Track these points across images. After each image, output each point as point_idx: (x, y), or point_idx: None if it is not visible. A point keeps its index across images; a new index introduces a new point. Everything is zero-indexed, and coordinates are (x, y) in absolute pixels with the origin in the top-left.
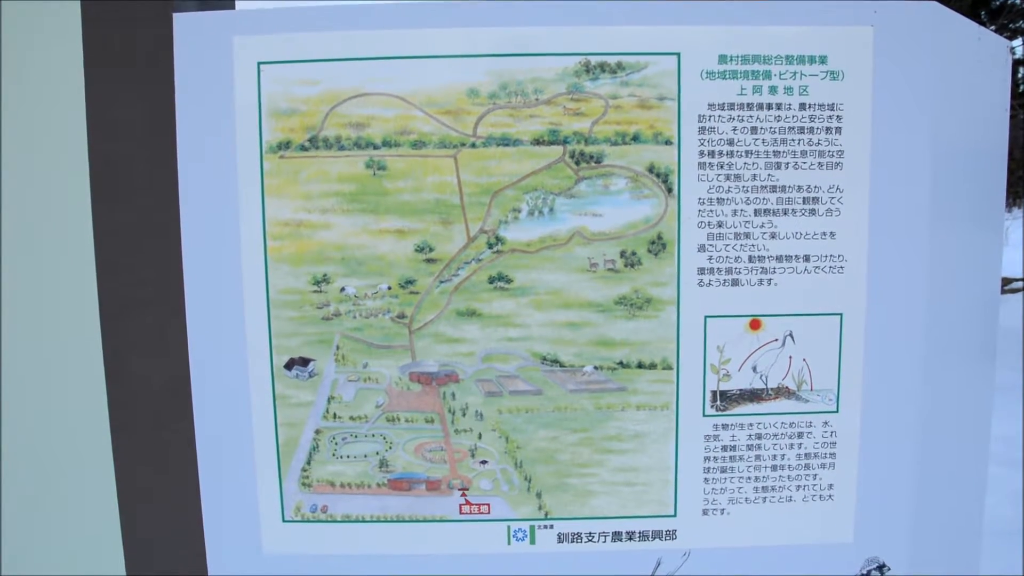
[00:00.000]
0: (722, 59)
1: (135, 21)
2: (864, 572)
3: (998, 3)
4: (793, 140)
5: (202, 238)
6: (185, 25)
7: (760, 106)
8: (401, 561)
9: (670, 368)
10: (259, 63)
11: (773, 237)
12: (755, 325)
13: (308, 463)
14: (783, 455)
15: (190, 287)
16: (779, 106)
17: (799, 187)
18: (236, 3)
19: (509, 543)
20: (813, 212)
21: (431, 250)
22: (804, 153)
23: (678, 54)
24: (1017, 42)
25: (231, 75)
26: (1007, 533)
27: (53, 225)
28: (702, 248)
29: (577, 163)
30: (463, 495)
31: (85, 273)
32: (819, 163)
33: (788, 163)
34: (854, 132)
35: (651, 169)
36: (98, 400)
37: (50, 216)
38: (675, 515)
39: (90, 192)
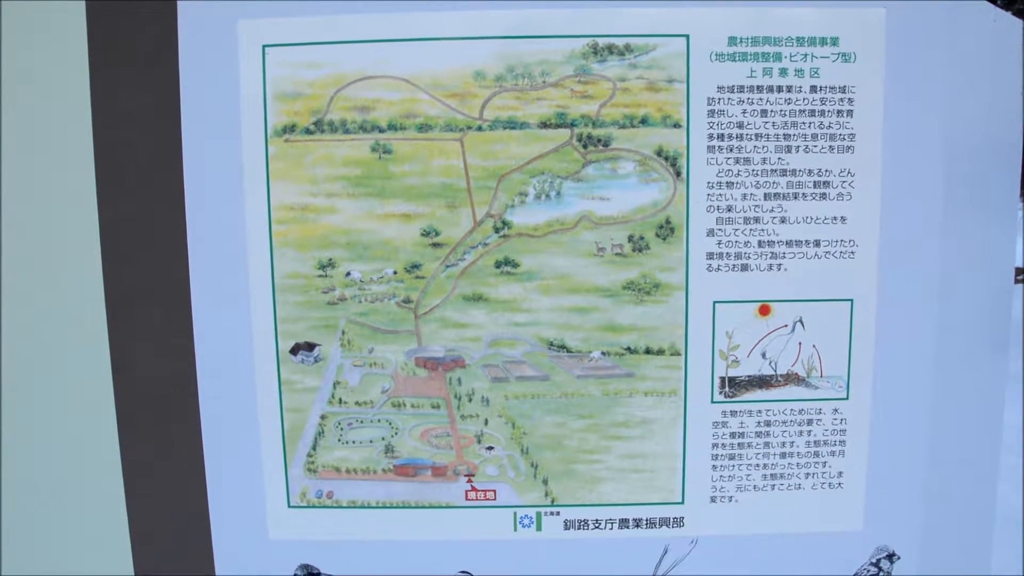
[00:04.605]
0: (732, 41)
1: (139, 5)
2: (874, 560)
3: None
4: (804, 123)
5: (207, 223)
6: (190, 9)
7: (770, 88)
8: (407, 547)
9: (678, 354)
10: (264, 46)
11: (783, 222)
12: (764, 311)
13: (314, 448)
14: (792, 442)
15: (195, 273)
16: (790, 88)
17: (810, 171)
18: None
19: (515, 530)
20: (824, 196)
21: (437, 234)
22: (815, 136)
23: (687, 36)
24: None
25: (236, 58)
26: (1009, 520)
27: (57, 213)
28: (711, 232)
29: (584, 146)
30: (469, 481)
31: (91, 261)
32: (830, 146)
33: (799, 146)
34: (866, 115)
35: (659, 152)
36: (104, 386)
37: (54, 204)
38: (683, 502)
39: (95, 179)
